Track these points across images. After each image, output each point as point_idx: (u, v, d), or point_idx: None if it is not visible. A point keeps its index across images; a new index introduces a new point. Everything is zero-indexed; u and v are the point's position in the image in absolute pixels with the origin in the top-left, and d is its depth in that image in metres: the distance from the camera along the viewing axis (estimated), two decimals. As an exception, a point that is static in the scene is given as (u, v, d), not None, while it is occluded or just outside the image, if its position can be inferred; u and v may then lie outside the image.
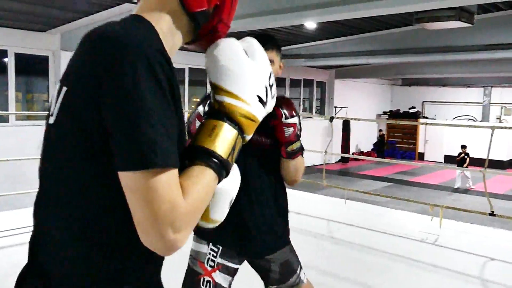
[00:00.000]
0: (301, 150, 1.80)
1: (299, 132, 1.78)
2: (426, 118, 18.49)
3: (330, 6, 5.09)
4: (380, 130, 18.54)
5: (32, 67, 8.56)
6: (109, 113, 0.70)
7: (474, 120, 17.59)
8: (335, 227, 4.65)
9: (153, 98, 0.70)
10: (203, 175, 0.76)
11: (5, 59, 7.75)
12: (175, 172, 0.72)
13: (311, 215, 4.89)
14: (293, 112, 1.73)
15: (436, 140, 17.69)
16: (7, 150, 6.82)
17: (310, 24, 7.97)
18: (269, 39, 1.81)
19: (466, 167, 12.26)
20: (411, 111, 18.55)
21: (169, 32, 0.82)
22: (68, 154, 0.76)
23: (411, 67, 14.35)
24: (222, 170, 0.79)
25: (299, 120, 1.78)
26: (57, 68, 8.32)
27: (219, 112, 0.81)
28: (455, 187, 12.59)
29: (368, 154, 17.64)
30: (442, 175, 14.37)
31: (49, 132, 0.82)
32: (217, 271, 1.79)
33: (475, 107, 18.08)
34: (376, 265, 3.58)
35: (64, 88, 0.78)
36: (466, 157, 13.04)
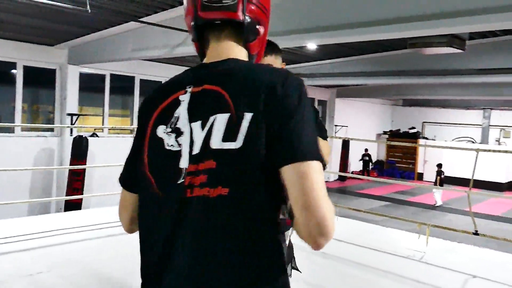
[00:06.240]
0: None
1: None
2: (426, 138, 18.63)
3: (331, 30, 5.27)
4: (366, 149, 17.70)
5: (39, 79, 8.81)
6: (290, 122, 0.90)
7: (473, 142, 17.71)
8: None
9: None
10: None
11: (14, 71, 8.00)
12: None
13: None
14: None
15: (435, 160, 17.82)
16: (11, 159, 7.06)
17: (311, 45, 8.19)
18: (267, 45, 1.96)
19: (439, 184, 13.35)
20: (411, 131, 18.73)
21: None
22: (251, 183, 0.89)
23: (411, 88, 14.52)
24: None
25: None
26: (63, 81, 8.56)
27: None
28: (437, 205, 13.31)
29: (367, 173, 17.75)
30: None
31: (212, 159, 0.91)
32: None
33: (475, 129, 18.26)
34: (363, 280, 3.71)
35: (249, 114, 0.91)
36: (438, 176, 14.01)
